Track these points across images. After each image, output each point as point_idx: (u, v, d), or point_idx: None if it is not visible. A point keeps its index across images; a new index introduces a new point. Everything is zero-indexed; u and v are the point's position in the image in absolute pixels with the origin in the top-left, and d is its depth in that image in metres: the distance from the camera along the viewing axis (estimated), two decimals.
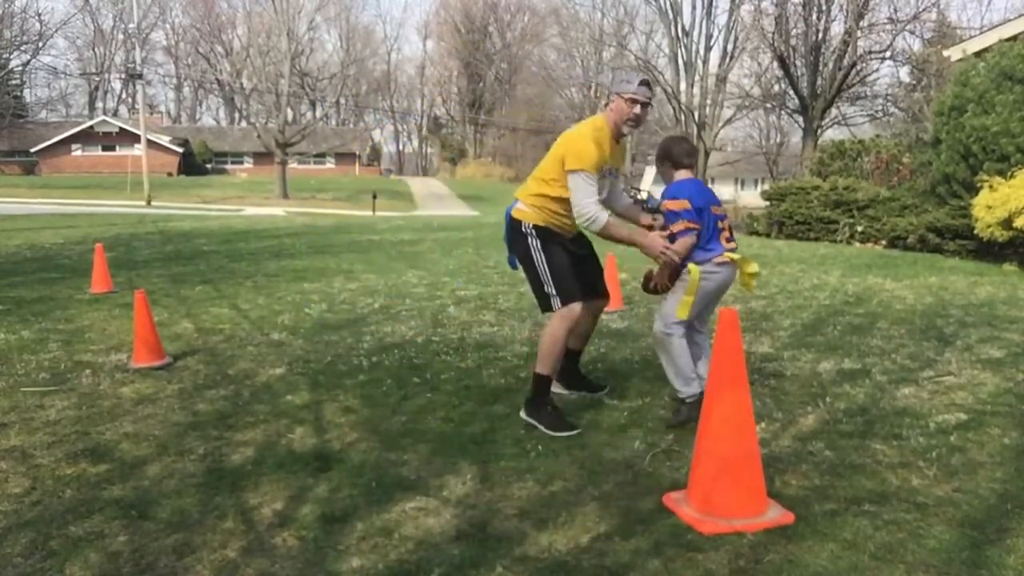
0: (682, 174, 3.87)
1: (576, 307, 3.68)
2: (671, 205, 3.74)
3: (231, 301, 7.44)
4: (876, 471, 3.24)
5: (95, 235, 14.33)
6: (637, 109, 3.64)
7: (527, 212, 3.79)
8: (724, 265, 3.77)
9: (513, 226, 3.84)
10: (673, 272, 3.81)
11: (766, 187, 17.82)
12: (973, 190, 11.07)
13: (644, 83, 3.66)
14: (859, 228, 13.98)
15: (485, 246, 13.14)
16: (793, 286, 8.42)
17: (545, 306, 3.75)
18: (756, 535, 2.67)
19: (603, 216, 3.58)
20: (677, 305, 3.75)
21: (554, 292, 3.68)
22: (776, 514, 2.80)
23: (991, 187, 10.40)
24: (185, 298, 7.62)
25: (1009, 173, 10.47)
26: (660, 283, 3.82)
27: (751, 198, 45.25)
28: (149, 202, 29.95)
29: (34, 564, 2.53)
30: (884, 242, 13.44)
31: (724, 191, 55.39)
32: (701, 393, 3.53)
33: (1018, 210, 9.77)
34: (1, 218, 19.06)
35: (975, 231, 10.62)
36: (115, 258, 10.64)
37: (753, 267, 3.86)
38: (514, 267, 3.99)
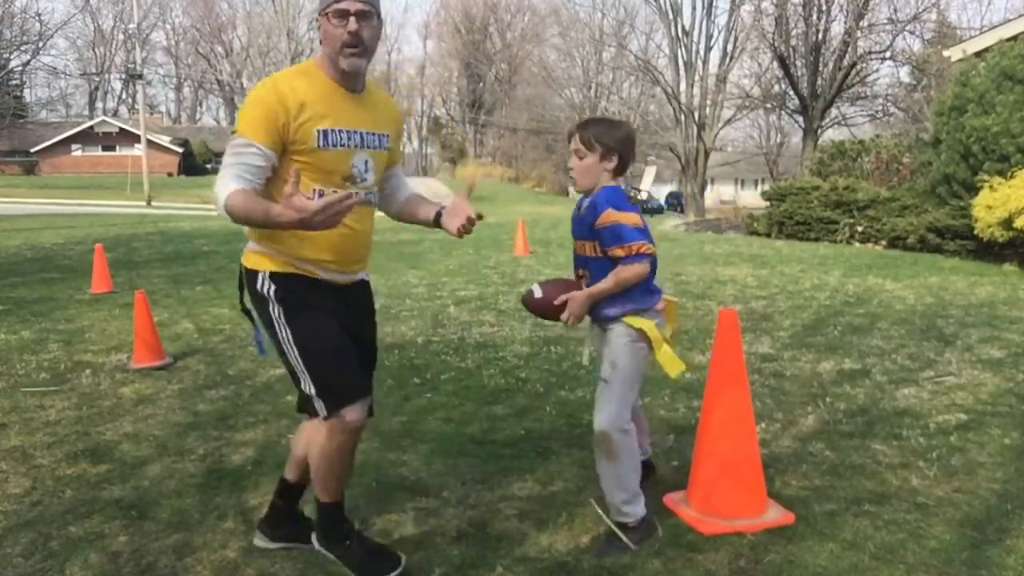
0: (617, 180, 2.68)
1: (353, 415, 2.29)
2: (621, 218, 2.54)
3: (231, 301, 7.44)
4: (876, 471, 3.24)
5: (95, 235, 14.34)
6: (351, 24, 2.15)
7: (258, 254, 2.32)
8: (661, 313, 2.73)
9: (248, 283, 2.36)
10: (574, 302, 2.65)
11: (766, 187, 17.83)
12: (973, 190, 11.07)
13: None
14: (859, 228, 13.98)
15: (485, 246, 13.14)
16: (793, 286, 8.42)
17: (306, 407, 2.35)
18: (756, 535, 2.67)
19: (223, 192, 2.09)
20: (631, 386, 2.68)
21: (313, 391, 2.27)
22: (776, 514, 2.80)
23: (991, 187, 10.40)
24: (185, 298, 7.62)
25: (1009, 173, 10.47)
26: (574, 316, 2.65)
27: (751, 198, 45.30)
28: (149, 202, 29.96)
29: (34, 564, 2.53)
30: (884, 242, 13.43)
31: (724, 191, 55.46)
32: (647, 516, 2.70)
33: (1018, 210, 9.77)
34: (1, 218, 19.06)
35: (975, 231, 10.61)
36: (115, 258, 10.64)
37: (669, 329, 2.76)
38: (262, 352, 2.53)
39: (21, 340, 5.77)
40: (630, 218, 2.54)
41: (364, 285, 2.52)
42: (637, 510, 2.67)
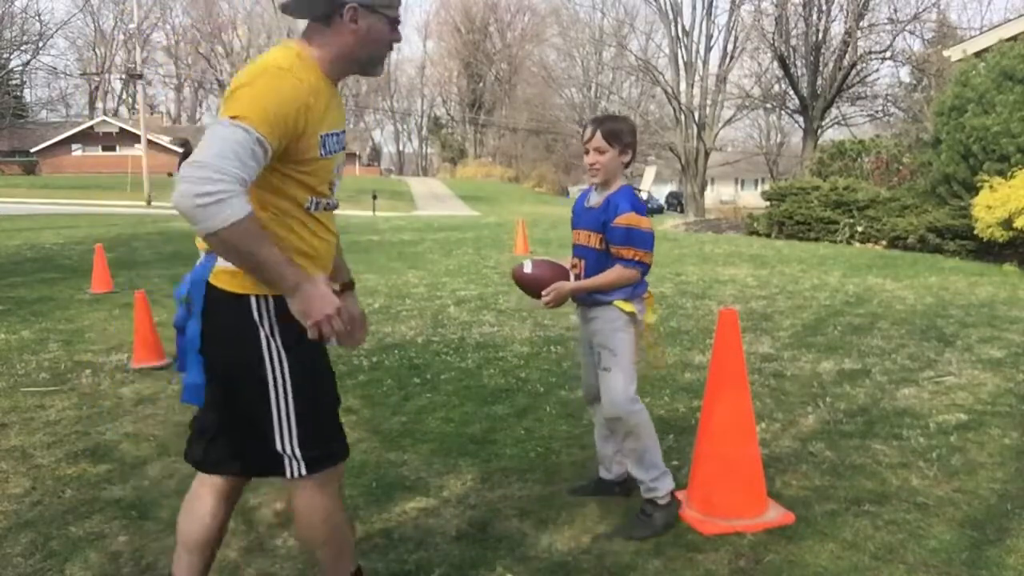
0: (622, 179, 2.75)
1: (340, 467, 2.01)
2: (641, 223, 2.62)
3: None
4: (876, 471, 3.24)
5: (95, 235, 14.33)
6: (399, 32, 1.98)
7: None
8: (644, 302, 2.80)
9: (225, 311, 1.89)
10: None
11: (766, 187, 17.83)
12: (973, 190, 11.08)
13: None
14: (859, 228, 13.98)
15: (485, 246, 13.14)
16: (793, 286, 8.42)
17: (268, 465, 1.93)
18: (756, 535, 2.67)
19: (238, 206, 1.65)
20: (633, 366, 2.74)
21: (296, 449, 1.89)
22: (776, 514, 2.80)
23: (991, 187, 10.40)
24: None
25: (1009, 173, 10.47)
26: (556, 302, 2.71)
27: (751, 198, 45.27)
28: (149, 202, 29.94)
29: (34, 564, 2.53)
30: (884, 242, 13.44)
31: (724, 191, 55.45)
32: (673, 491, 2.78)
33: (1018, 210, 9.77)
34: (1, 218, 19.06)
35: (975, 231, 10.62)
36: (115, 258, 10.63)
37: (653, 317, 2.82)
38: (190, 398, 2.17)
39: (21, 340, 5.77)
40: (647, 223, 2.65)
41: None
42: (663, 485, 2.75)
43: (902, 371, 4.85)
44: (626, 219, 2.61)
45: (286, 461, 1.91)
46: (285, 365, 1.88)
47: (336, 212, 2.06)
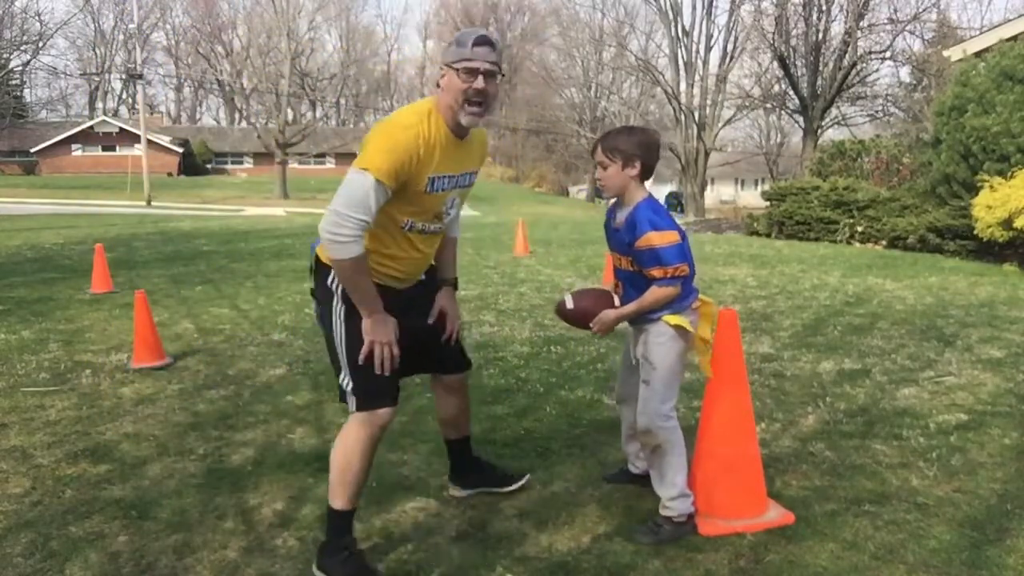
0: (644, 189, 2.73)
1: (382, 414, 2.45)
2: (662, 239, 2.57)
3: (231, 301, 7.44)
4: (876, 471, 3.24)
5: (95, 235, 14.33)
6: (478, 81, 2.33)
7: None
8: (695, 313, 2.77)
9: (318, 275, 2.51)
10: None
11: (766, 187, 17.82)
12: (973, 190, 11.07)
13: (482, 41, 2.36)
14: (859, 228, 13.98)
15: (485, 246, 13.13)
16: (793, 286, 8.42)
17: (341, 398, 2.54)
18: (756, 535, 2.67)
19: (355, 249, 2.25)
20: (674, 381, 2.78)
21: (349, 386, 2.46)
22: (776, 514, 2.80)
23: (991, 187, 10.40)
24: (185, 298, 7.62)
25: (1009, 173, 10.47)
26: (602, 331, 2.76)
27: (751, 198, 45.28)
28: (149, 202, 29.94)
29: (34, 564, 2.53)
30: (884, 242, 13.43)
31: (724, 191, 55.45)
32: (691, 515, 2.75)
33: (1018, 210, 9.77)
34: (1, 218, 19.06)
35: (975, 231, 10.62)
36: (115, 258, 10.63)
37: (708, 329, 2.81)
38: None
39: (21, 340, 5.77)
40: (670, 238, 2.58)
41: (419, 284, 2.69)
42: (681, 506, 2.72)
43: (902, 371, 4.85)
44: (647, 240, 2.58)
45: (348, 396, 2.48)
46: (343, 324, 2.44)
47: None
